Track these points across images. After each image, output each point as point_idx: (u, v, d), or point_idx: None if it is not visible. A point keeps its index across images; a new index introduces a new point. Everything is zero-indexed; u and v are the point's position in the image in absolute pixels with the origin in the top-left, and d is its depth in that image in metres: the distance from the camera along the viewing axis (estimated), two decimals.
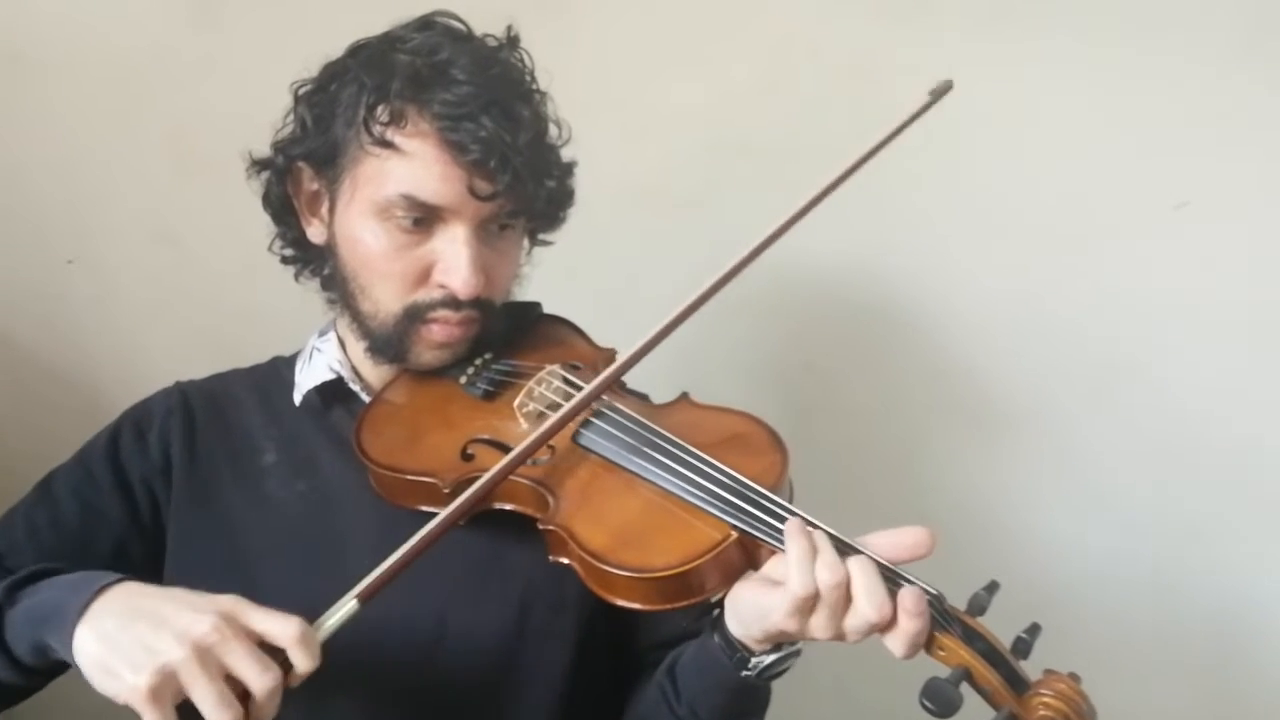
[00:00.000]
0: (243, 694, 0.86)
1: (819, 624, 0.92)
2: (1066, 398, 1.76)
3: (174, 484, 1.21)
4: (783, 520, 0.95)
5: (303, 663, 0.88)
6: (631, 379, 1.29)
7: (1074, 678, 0.85)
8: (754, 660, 1.02)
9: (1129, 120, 1.67)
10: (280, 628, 0.88)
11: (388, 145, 1.12)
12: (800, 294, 1.82)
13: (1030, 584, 1.75)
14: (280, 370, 1.32)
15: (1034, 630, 0.88)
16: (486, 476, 1.03)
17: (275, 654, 0.88)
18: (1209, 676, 1.78)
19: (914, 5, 1.72)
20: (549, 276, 1.35)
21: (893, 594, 0.89)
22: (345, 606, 0.93)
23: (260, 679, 0.86)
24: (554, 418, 1.06)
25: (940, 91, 1.26)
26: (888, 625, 0.89)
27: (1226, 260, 1.66)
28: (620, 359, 1.11)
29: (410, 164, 1.11)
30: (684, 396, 1.20)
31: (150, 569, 1.25)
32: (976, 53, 1.70)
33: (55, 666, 0.99)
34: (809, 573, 0.91)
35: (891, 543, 0.93)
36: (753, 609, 0.97)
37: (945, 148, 1.74)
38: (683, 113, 1.78)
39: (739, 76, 1.78)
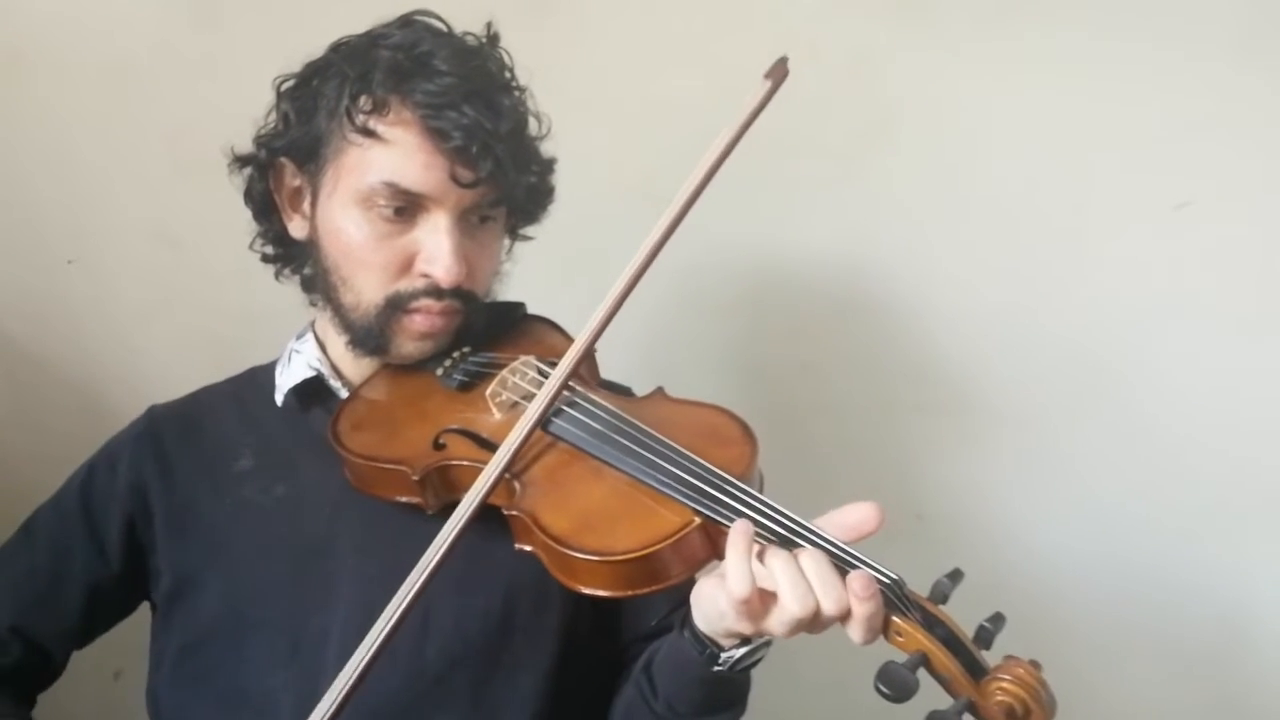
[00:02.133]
0: None
1: (776, 626, 0.91)
2: (1060, 398, 1.74)
3: (154, 510, 1.23)
4: (749, 507, 0.94)
5: None
6: (615, 375, 1.29)
7: (1035, 664, 0.83)
8: (724, 655, 1.01)
9: (1128, 120, 1.65)
10: None
11: (370, 134, 1.13)
12: (790, 293, 1.82)
13: (1019, 583, 1.75)
14: (257, 377, 1.34)
15: (997, 620, 0.87)
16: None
17: None
18: (1200, 679, 1.75)
19: (914, 5, 1.71)
20: (541, 273, 1.36)
21: (843, 576, 0.88)
22: None
23: None
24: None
25: (778, 76, 1.23)
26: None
27: (1227, 260, 1.64)
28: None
29: (392, 152, 1.12)
30: (659, 391, 1.20)
31: (126, 604, 1.30)
32: (976, 52, 1.69)
33: None
34: (746, 574, 0.90)
35: (839, 521, 0.93)
36: (711, 608, 0.97)
37: (942, 146, 1.74)
38: (680, 111, 1.77)
39: (737, 75, 1.77)
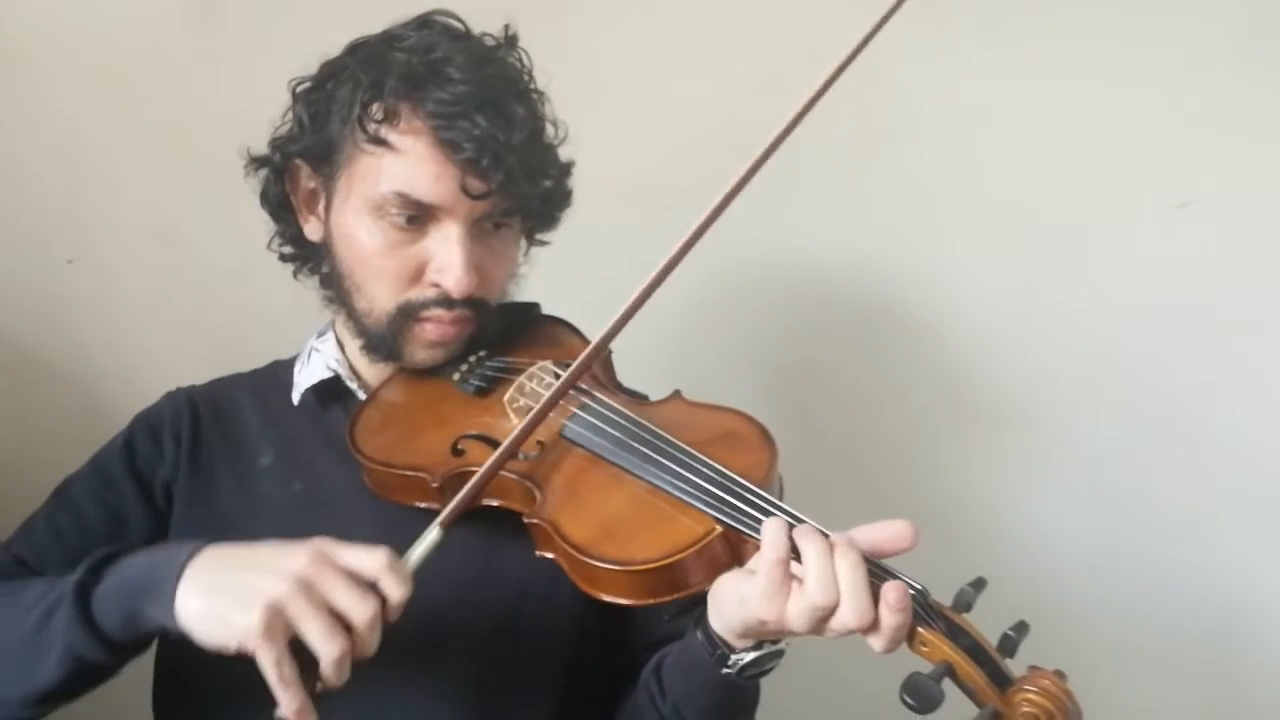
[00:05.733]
0: (345, 627, 0.89)
1: (796, 613, 0.89)
2: (1065, 395, 1.75)
3: (180, 484, 1.23)
4: (769, 516, 0.94)
5: (395, 591, 0.91)
6: (628, 377, 1.29)
7: (1060, 675, 0.83)
8: (734, 658, 1.01)
9: (1130, 120, 1.66)
10: (368, 560, 0.92)
11: (381, 143, 1.12)
12: (797, 291, 1.82)
13: (1027, 580, 1.76)
14: (279, 373, 1.33)
15: (1021, 628, 0.87)
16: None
17: (369, 587, 0.92)
18: (1207, 676, 1.76)
19: (915, 6, 1.71)
20: (545, 275, 1.35)
21: (875, 588, 0.87)
22: (429, 536, 0.97)
23: (360, 606, 0.89)
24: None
25: None
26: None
27: (1227, 260, 1.65)
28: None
29: (403, 161, 1.12)
30: (676, 394, 1.20)
31: None
32: (977, 53, 1.70)
33: (141, 641, 1.00)
34: (782, 539, 0.90)
35: (872, 536, 0.92)
36: (732, 595, 0.96)
37: (947, 147, 1.74)
38: (682, 111, 1.78)
39: (739, 75, 1.78)
